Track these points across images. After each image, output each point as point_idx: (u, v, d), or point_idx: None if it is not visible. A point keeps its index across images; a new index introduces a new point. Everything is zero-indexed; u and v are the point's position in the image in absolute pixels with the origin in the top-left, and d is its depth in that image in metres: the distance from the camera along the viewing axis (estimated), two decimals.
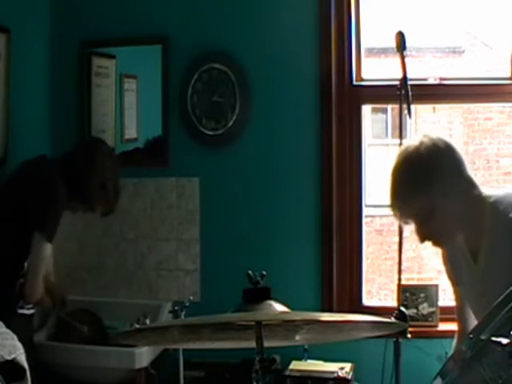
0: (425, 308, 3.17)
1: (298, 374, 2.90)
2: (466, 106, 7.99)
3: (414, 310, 3.16)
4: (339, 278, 3.26)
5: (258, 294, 1.65)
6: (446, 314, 3.00)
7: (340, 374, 2.85)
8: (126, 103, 3.49)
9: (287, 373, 2.91)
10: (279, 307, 1.65)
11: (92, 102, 3.48)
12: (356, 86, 3.30)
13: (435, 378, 1.63)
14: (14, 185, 2.72)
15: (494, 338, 1.40)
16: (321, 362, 2.99)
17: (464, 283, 2.18)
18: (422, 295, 3.19)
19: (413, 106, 2.60)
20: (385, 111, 9.20)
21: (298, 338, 1.81)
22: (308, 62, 3.25)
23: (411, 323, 2.62)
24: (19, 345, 1.81)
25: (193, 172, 3.37)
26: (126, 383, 3.03)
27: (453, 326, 2.39)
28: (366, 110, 3.63)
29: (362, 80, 3.33)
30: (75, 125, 3.46)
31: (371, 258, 7.76)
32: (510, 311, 1.41)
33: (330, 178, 3.24)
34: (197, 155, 3.38)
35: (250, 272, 1.66)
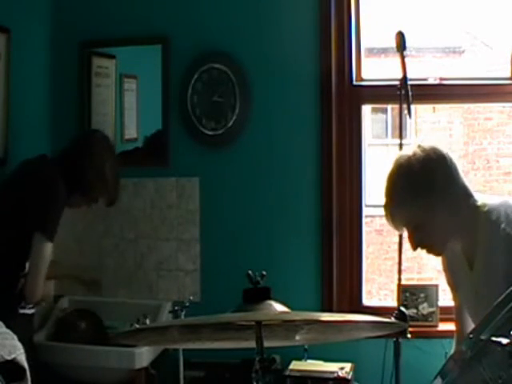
0: (425, 308, 3.17)
1: (298, 374, 2.90)
2: (466, 106, 7.99)
3: (414, 310, 3.16)
4: (339, 278, 3.26)
5: (257, 294, 1.65)
6: (446, 314, 2.99)
7: (340, 373, 2.85)
8: (126, 103, 3.49)
9: (287, 373, 2.91)
10: (279, 307, 1.64)
11: (92, 102, 3.48)
12: (356, 85, 3.30)
13: (435, 377, 1.63)
14: (14, 184, 2.72)
15: (493, 338, 1.40)
16: (321, 362, 2.99)
17: (461, 289, 2.19)
18: (422, 295, 3.18)
19: (413, 106, 2.60)
20: (385, 111, 9.20)
21: (298, 338, 1.81)
22: (308, 61, 3.25)
23: (411, 323, 2.62)
24: (19, 345, 1.81)
25: (193, 172, 3.37)
26: (125, 383, 3.03)
27: (453, 326, 2.39)
28: (366, 109, 3.63)
29: (362, 80, 3.33)
30: (75, 125, 3.46)
31: (371, 258, 7.76)
32: (510, 311, 1.41)
33: (330, 177, 3.24)
34: (197, 155, 3.38)
35: (250, 272, 1.66)
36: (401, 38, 2.62)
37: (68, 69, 3.49)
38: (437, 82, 3.25)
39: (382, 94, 3.26)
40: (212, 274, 3.34)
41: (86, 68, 3.48)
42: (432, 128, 8.61)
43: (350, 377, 2.86)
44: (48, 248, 2.62)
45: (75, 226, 3.26)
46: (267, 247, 3.28)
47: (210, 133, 3.34)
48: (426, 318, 3.17)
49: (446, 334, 2.80)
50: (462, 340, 1.57)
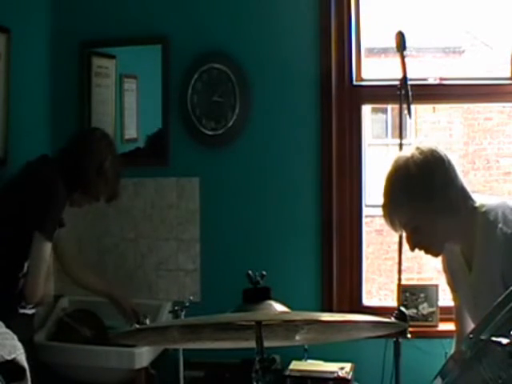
0: (425, 308, 3.17)
1: (298, 374, 2.90)
2: (466, 105, 7.99)
3: (414, 310, 3.16)
4: (339, 278, 3.26)
5: (257, 294, 1.65)
6: (446, 314, 2.99)
7: (340, 373, 2.85)
8: (126, 103, 3.49)
9: (287, 373, 2.91)
10: (279, 307, 1.64)
11: (92, 102, 3.48)
12: (356, 85, 3.30)
13: (435, 377, 1.63)
14: (14, 185, 2.72)
15: (494, 338, 1.40)
16: (321, 362, 2.99)
17: (461, 290, 2.20)
18: (422, 295, 3.19)
19: (413, 106, 2.60)
20: (385, 111, 9.20)
21: (298, 338, 1.81)
22: (308, 62, 3.25)
23: (411, 323, 2.62)
24: (19, 345, 1.81)
25: (193, 172, 3.37)
26: (125, 383, 3.03)
27: (453, 326, 2.39)
28: (366, 109, 3.63)
29: (362, 80, 3.33)
30: (75, 125, 3.45)
31: (371, 258, 7.76)
32: (510, 311, 1.41)
33: (330, 178, 3.24)
34: (197, 155, 3.38)
35: (250, 272, 1.66)
36: (401, 38, 2.61)
37: (68, 69, 3.49)
38: (437, 82, 3.25)
39: (381, 93, 3.26)
40: (212, 274, 3.34)
41: (86, 68, 3.48)
42: (432, 128, 8.61)
43: (349, 377, 2.85)
44: (47, 248, 2.62)
45: (75, 226, 3.25)
46: (267, 247, 3.28)
47: (210, 133, 3.34)
48: (426, 317, 3.17)
49: (446, 334, 2.81)
50: (462, 340, 1.57)
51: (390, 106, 8.14)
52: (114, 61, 3.50)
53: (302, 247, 3.27)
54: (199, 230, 3.36)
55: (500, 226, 1.96)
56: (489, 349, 1.42)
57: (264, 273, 1.68)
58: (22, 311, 2.70)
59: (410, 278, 6.39)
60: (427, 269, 7.46)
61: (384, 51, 7.41)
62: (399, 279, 2.66)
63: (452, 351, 2.28)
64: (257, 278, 1.66)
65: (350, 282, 3.29)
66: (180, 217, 3.38)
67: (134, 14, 3.42)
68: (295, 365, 2.97)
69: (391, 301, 3.91)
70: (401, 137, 2.63)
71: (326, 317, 1.66)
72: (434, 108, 8.36)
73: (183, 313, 2.79)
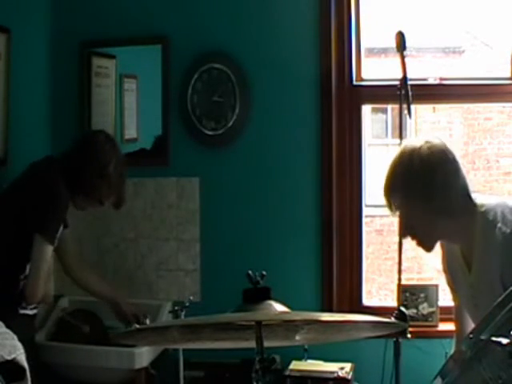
0: (425, 308, 3.17)
1: (298, 374, 2.89)
2: (466, 105, 7.99)
3: (414, 310, 3.16)
4: (339, 278, 3.26)
5: (258, 294, 1.65)
6: (446, 314, 2.99)
7: (340, 373, 2.85)
8: (126, 103, 3.49)
9: (287, 373, 2.91)
10: (279, 307, 1.65)
11: (92, 102, 3.48)
12: (356, 85, 3.30)
13: (435, 377, 1.63)
14: (18, 187, 2.71)
15: (494, 338, 1.40)
16: (321, 362, 2.99)
17: (461, 290, 2.20)
18: (422, 295, 3.18)
19: (413, 106, 2.60)
20: (385, 111, 9.21)
21: (298, 338, 1.81)
22: (308, 62, 3.25)
23: (411, 323, 2.61)
24: (19, 345, 1.81)
25: (193, 172, 3.37)
26: (125, 383, 3.03)
27: (453, 326, 2.39)
28: (366, 109, 3.63)
29: (362, 80, 3.33)
30: (75, 125, 3.45)
31: (371, 258, 7.77)
32: (510, 311, 1.41)
33: (330, 178, 3.24)
34: (197, 155, 3.38)
35: (250, 272, 1.66)
36: (401, 38, 2.61)
37: (68, 69, 3.49)
38: (437, 82, 3.24)
39: (381, 93, 3.26)
40: (212, 274, 3.34)
41: (86, 68, 3.47)
42: (432, 128, 8.61)
43: (349, 377, 2.85)
44: (48, 249, 2.61)
45: (75, 226, 3.25)
46: (267, 247, 3.28)
47: (210, 133, 3.34)
48: (426, 318, 3.17)
49: (446, 334, 2.81)
50: (462, 340, 1.57)
51: (390, 106, 8.14)
52: (113, 61, 3.50)
53: (302, 247, 3.27)
54: (199, 229, 3.36)
55: (499, 225, 1.96)
56: (489, 349, 1.42)
57: (264, 273, 1.68)
58: (22, 312, 2.69)
59: (409, 278, 6.40)
60: (427, 269, 7.46)
61: (384, 51, 7.41)
62: (399, 279, 2.65)
63: (452, 351, 2.28)
64: (257, 278, 1.66)
65: (350, 281, 3.29)
66: (180, 217, 3.38)
67: (134, 14, 3.42)
68: (295, 365, 2.97)
69: (391, 301, 3.90)
70: (401, 137, 2.62)
71: (326, 317, 1.66)
72: (434, 108, 8.36)
73: (183, 313, 2.79)
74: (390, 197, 2.08)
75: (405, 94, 2.58)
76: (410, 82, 2.59)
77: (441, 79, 3.26)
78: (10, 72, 3.08)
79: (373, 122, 8.85)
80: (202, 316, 1.66)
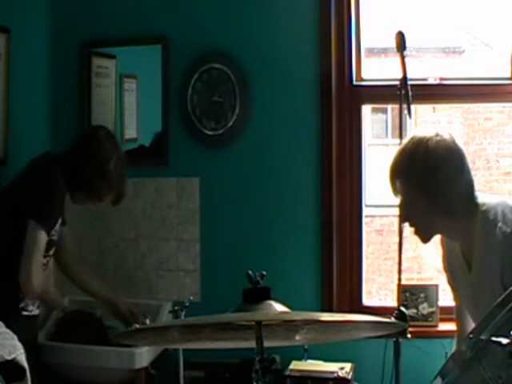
0: (425, 308, 3.17)
1: (298, 374, 2.89)
2: (466, 105, 7.99)
3: (414, 310, 3.16)
4: (339, 278, 3.26)
5: (257, 294, 1.65)
6: (446, 314, 2.99)
7: (340, 373, 2.85)
8: (126, 103, 3.49)
9: (287, 373, 2.91)
10: (279, 307, 1.65)
11: (92, 102, 3.48)
12: (356, 85, 3.30)
13: (435, 377, 1.63)
14: (17, 183, 2.71)
15: (494, 338, 1.40)
16: (321, 362, 2.99)
17: (461, 290, 2.20)
18: (422, 295, 3.18)
19: (413, 106, 2.59)
20: (385, 111, 9.21)
21: (298, 338, 1.81)
22: (308, 62, 3.25)
23: (411, 323, 2.61)
24: (19, 345, 1.81)
25: (193, 172, 3.37)
26: (125, 383, 3.03)
27: (453, 326, 2.40)
28: (366, 109, 3.63)
29: (362, 80, 3.33)
30: (75, 125, 3.45)
31: (371, 258, 7.76)
32: (510, 311, 1.41)
33: (330, 178, 3.24)
34: (197, 155, 3.38)
35: (250, 272, 1.67)
36: (401, 38, 2.61)
37: (68, 69, 3.49)
38: (437, 82, 3.24)
39: (381, 93, 3.26)
40: (212, 274, 3.34)
41: (86, 68, 3.47)
42: (432, 128, 8.60)
43: (349, 377, 2.85)
44: (42, 235, 2.58)
45: (75, 225, 3.25)
46: (267, 247, 3.28)
47: (210, 133, 3.34)
48: (426, 318, 3.17)
49: (446, 334, 2.81)
50: (463, 340, 1.57)
51: (390, 106, 8.14)
52: (113, 61, 3.50)
53: (302, 247, 3.27)
54: (199, 230, 3.36)
55: (499, 224, 1.95)
56: (489, 349, 1.42)
57: (264, 273, 1.68)
58: (25, 313, 2.69)
59: (410, 278, 6.40)
60: (427, 269, 7.46)
61: (384, 51, 7.41)
62: (399, 279, 2.65)
63: (453, 351, 2.28)
64: (257, 278, 1.66)
65: (350, 281, 3.29)
66: (180, 217, 3.38)
67: (134, 14, 3.42)
68: (295, 365, 2.97)
69: (391, 301, 3.90)
70: (401, 137, 2.61)
71: (326, 317, 1.66)
72: (434, 108, 8.36)
73: (183, 313, 2.79)
74: (393, 181, 2.09)
75: (405, 94, 2.58)
76: (409, 82, 2.58)
77: (441, 79, 3.26)
78: (10, 72, 3.08)
79: (373, 122, 8.84)
80: (202, 316, 1.66)
